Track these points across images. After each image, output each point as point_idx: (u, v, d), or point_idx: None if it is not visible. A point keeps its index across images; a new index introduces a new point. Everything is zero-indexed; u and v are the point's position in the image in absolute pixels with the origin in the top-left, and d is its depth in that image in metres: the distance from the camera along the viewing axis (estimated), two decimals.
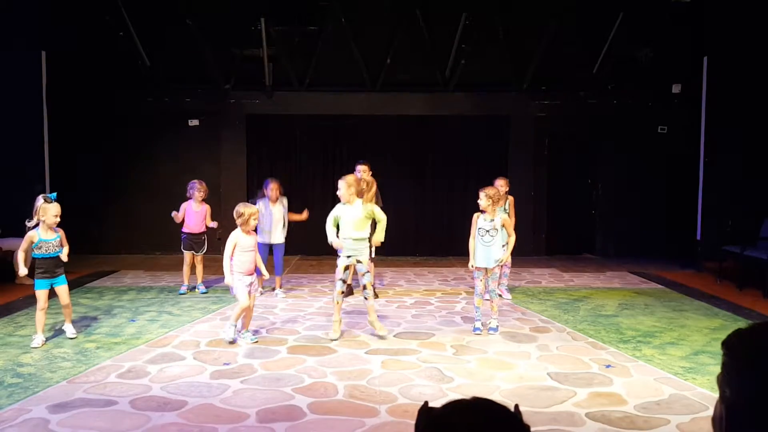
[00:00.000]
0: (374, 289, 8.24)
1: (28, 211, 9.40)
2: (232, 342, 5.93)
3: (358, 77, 11.73)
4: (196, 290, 8.41)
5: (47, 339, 6.04)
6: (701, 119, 10.59)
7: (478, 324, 6.49)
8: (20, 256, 6.00)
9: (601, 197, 12.21)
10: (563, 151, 12.38)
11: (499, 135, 12.07)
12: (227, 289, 6.75)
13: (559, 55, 11.42)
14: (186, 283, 8.43)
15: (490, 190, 6.47)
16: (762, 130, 9.86)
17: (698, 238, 10.66)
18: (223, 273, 6.10)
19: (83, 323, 6.66)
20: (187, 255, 8.41)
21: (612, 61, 11.32)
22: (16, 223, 9.11)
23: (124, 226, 11.56)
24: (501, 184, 7.95)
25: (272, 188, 8.23)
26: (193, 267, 8.47)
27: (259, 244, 7.85)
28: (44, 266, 5.91)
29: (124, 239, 11.52)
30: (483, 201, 6.38)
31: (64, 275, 6.09)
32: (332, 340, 6.07)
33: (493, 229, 6.41)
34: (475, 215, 6.54)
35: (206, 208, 8.46)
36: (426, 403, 1.25)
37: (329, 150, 12.08)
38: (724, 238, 9.37)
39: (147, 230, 11.45)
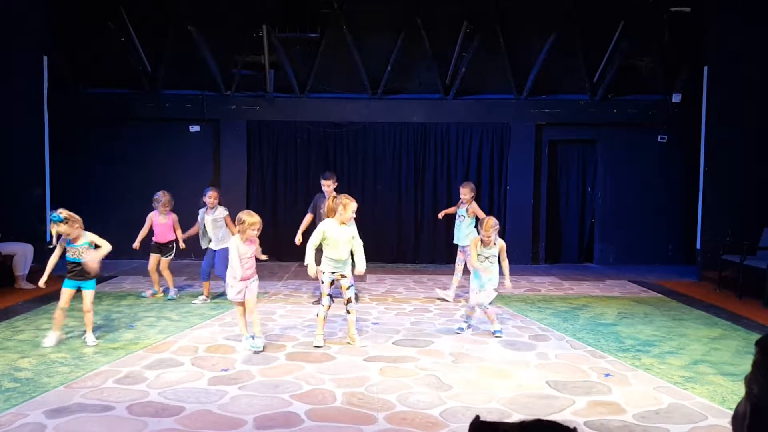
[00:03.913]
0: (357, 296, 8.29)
1: (29, 216, 9.44)
2: (259, 350, 5.88)
3: (359, 84, 11.76)
4: (167, 294, 8.45)
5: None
6: (701, 128, 10.60)
7: (463, 325, 6.83)
8: (48, 266, 6.17)
9: (601, 205, 12.22)
10: (563, 158, 12.41)
11: (499, 143, 12.08)
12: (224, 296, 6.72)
13: (560, 63, 11.46)
14: (155, 288, 8.52)
15: (494, 221, 6.68)
16: (762, 140, 9.86)
17: (698, 247, 10.65)
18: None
19: (81, 328, 6.63)
20: (153, 258, 8.49)
21: (612, 70, 11.34)
22: (15, 228, 9.18)
23: (123, 232, 11.48)
24: (465, 192, 8.32)
25: (210, 196, 8.23)
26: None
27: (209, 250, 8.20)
28: (71, 269, 6.09)
29: (123, 244, 11.46)
30: (493, 237, 6.62)
31: (93, 281, 6.19)
32: (316, 347, 6.09)
33: (492, 256, 6.69)
34: (475, 241, 6.80)
35: (172, 218, 8.53)
36: (477, 417, 1.24)
37: (329, 156, 12.08)
38: (723, 247, 9.37)
39: (146, 236, 11.43)
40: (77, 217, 6.03)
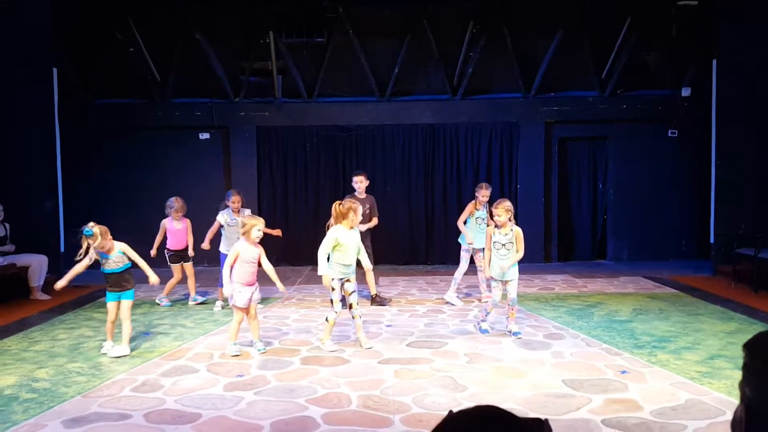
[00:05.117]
0: (382, 297, 8.29)
1: (42, 227, 9.49)
2: (237, 355, 5.94)
3: (367, 87, 11.78)
4: (189, 302, 8.46)
5: (70, 351, 6.11)
6: (712, 122, 10.54)
7: (485, 325, 6.72)
8: (71, 272, 6.10)
9: (613, 202, 12.16)
10: (573, 156, 12.36)
11: (508, 141, 12.06)
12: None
13: (567, 60, 11.43)
14: (165, 294, 8.50)
15: (507, 204, 6.55)
16: None
17: (711, 241, 10.57)
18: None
19: (98, 338, 6.68)
20: (176, 268, 8.47)
21: (621, 66, 11.29)
22: (29, 240, 9.24)
23: (136, 240, 11.55)
24: (485, 195, 8.18)
25: (233, 200, 8.15)
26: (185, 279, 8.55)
27: (222, 255, 7.72)
28: (109, 280, 6.10)
29: (137, 252, 11.54)
30: (503, 217, 6.48)
31: (132, 290, 6.21)
32: (331, 351, 6.09)
33: (509, 243, 6.52)
34: (489, 229, 6.71)
35: (186, 223, 8.52)
36: (450, 412, 1.27)
37: (339, 160, 12.10)
38: (737, 241, 9.30)
39: (162, 246, 11.52)
40: (106, 228, 6.05)
